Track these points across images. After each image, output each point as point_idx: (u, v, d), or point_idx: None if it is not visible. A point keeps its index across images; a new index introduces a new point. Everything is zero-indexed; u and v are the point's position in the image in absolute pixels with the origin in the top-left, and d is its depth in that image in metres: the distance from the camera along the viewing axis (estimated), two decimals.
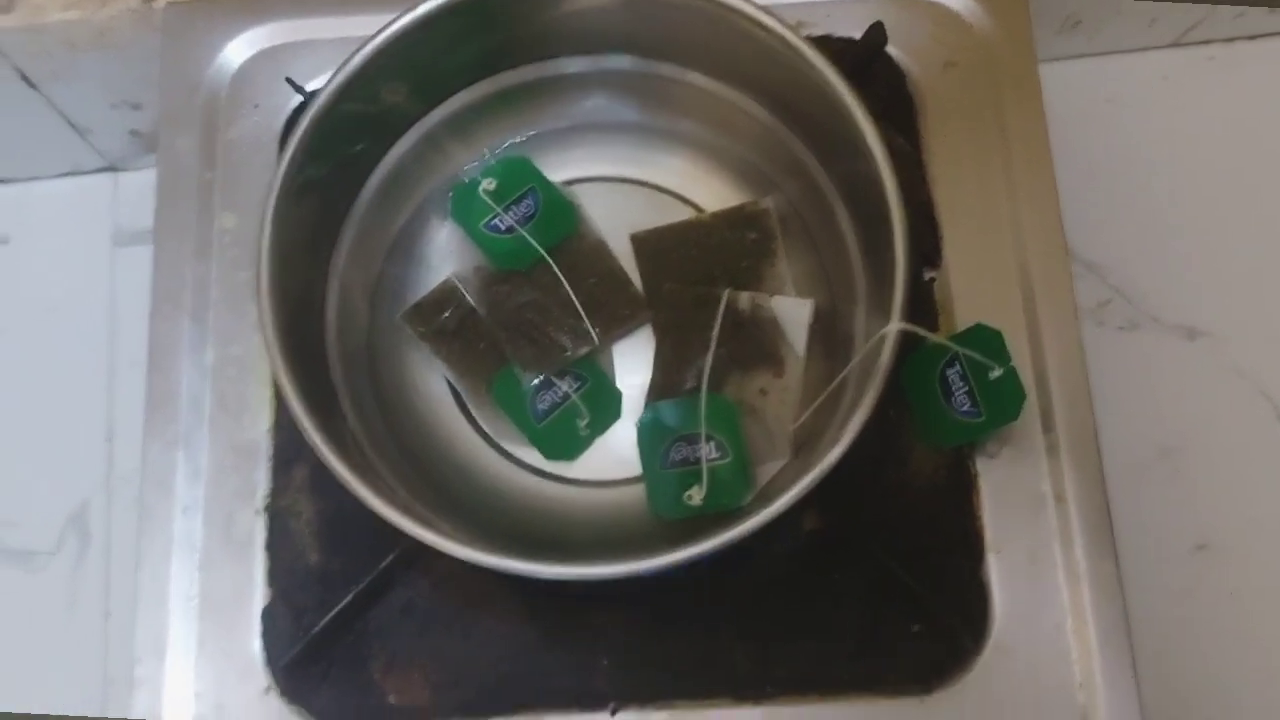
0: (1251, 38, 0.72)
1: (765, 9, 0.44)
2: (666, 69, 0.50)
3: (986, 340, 0.47)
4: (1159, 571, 0.62)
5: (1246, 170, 0.69)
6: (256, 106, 0.56)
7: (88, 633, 0.62)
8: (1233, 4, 0.67)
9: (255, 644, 0.48)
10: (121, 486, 0.64)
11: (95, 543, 0.64)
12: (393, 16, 0.46)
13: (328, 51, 0.55)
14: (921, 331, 0.42)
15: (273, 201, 0.42)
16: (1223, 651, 0.61)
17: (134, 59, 0.61)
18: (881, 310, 0.42)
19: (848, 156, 0.45)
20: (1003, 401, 0.47)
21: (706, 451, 0.46)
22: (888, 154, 0.42)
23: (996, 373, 0.46)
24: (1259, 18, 0.69)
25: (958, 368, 0.47)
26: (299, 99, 0.54)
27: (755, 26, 0.44)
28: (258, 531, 0.49)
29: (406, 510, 0.40)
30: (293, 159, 0.44)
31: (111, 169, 0.71)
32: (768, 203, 0.50)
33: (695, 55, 0.49)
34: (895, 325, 0.40)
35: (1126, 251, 0.67)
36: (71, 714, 0.50)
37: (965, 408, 0.47)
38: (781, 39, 0.43)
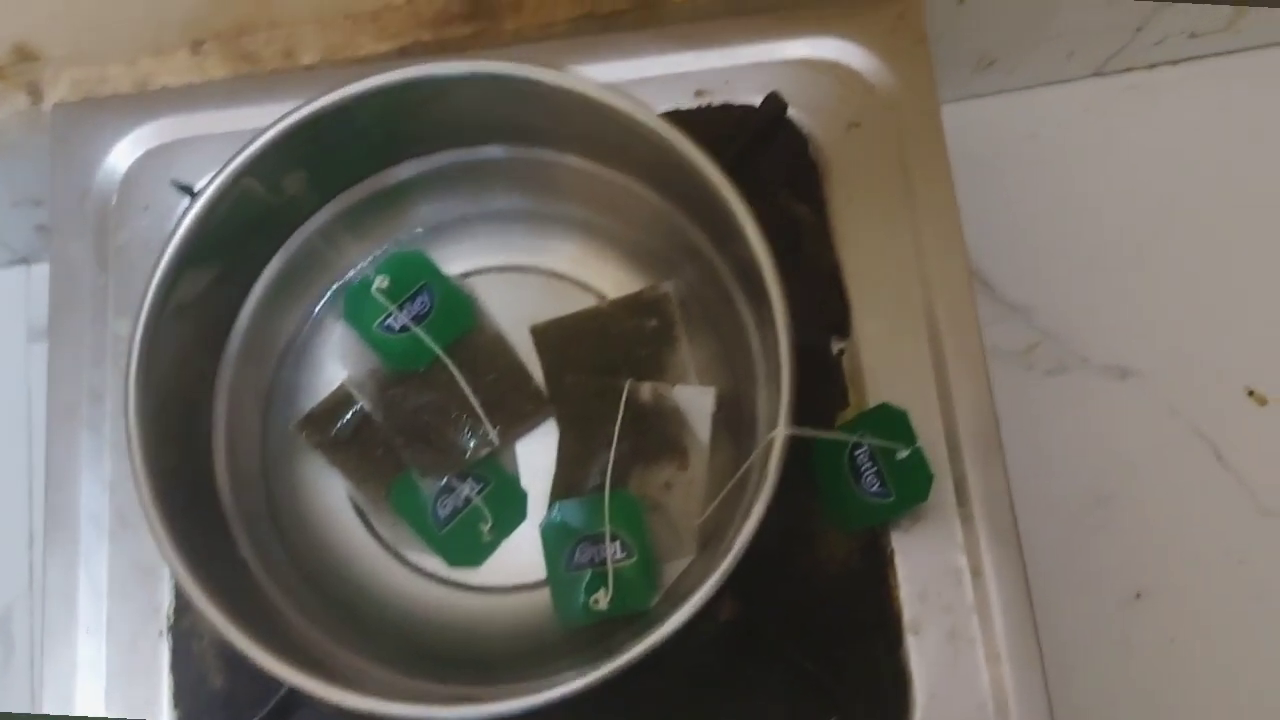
0: (1174, 63, 0.71)
1: (628, 97, 0.42)
2: (547, 155, 0.49)
3: (892, 420, 0.47)
4: (1096, 621, 0.61)
5: (1172, 200, 0.68)
6: (147, 208, 0.54)
7: None
8: (1234, 4, 0.66)
9: None
10: (43, 589, 0.63)
11: (19, 652, 0.62)
12: (272, 121, 0.45)
13: (218, 146, 0.54)
14: (810, 433, 0.41)
15: (140, 328, 0.41)
16: (1162, 701, 0.60)
17: (29, 157, 0.59)
18: None
19: (733, 240, 0.44)
20: (912, 482, 0.46)
21: (612, 552, 0.45)
22: (768, 249, 0.41)
23: (904, 453, 0.46)
24: (1179, 44, 0.69)
25: (866, 448, 0.47)
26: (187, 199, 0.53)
27: (619, 114, 0.42)
28: (162, 653, 0.48)
29: (292, 646, 0.39)
30: (162, 279, 0.42)
31: (24, 261, 0.70)
32: (667, 287, 0.49)
33: (576, 141, 0.48)
34: (782, 431, 0.39)
35: (1054, 291, 0.67)
36: None
37: (875, 489, 0.47)
38: (643, 125, 0.42)
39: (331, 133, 0.45)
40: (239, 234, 0.47)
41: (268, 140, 0.44)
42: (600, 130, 0.44)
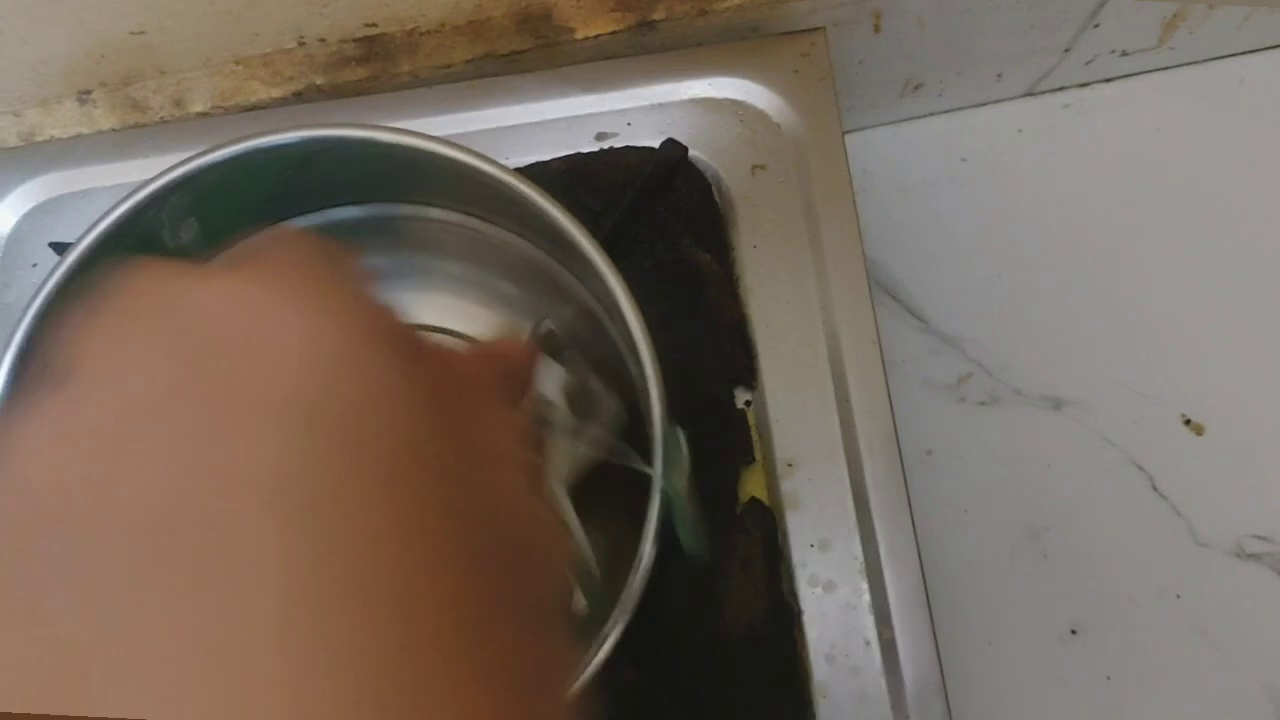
0: (1107, 80, 0.69)
1: (478, 155, 0.40)
2: (410, 210, 0.47)
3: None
4: (1031, 659, 0.60)
5: (1106, 223, 0.66)
6: (35, 265, 0.53)
7: None
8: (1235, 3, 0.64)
9: None
10: None
11: None
12: (140, 183, 0.43)
13: (104, 201, 0.52)
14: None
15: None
16: None
17: None
18: None
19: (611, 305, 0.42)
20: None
21: None
22: (642, 327, 0.39)
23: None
24: (1111, 61, 0.67)
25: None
26: None
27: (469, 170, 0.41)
28: None
29: None
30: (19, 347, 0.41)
31: None
32: (549, 324, 0.48)
33: (438, 195, 0.46)
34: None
35: (987, 321, 0.65)
36: None
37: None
38: (493, 180, 0.40)
39: (189, 207, 0.43)
40: None
41: (128, 211, 0.42)
42: (464, 188, 0.42)
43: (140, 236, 0.44)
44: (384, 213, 0.46)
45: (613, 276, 0.38)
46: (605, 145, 0.52)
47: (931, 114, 0.68)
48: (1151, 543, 0.62)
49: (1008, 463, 0.63)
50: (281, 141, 0.40)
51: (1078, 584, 0.61)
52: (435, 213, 0.46)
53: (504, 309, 0.49)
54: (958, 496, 0.63)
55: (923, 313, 0.65)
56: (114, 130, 0.55)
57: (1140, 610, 0.61)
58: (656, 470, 0.39)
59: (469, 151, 0.39)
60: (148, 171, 0.51)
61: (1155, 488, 0.62)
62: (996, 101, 0.69)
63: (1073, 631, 0.60)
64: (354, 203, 0.46)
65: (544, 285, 0.47)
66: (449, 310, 0.49)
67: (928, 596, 0.47)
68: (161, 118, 0.54)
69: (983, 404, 0.64)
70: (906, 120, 0.68)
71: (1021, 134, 0.68)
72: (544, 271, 0.46)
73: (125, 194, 0.44)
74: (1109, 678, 0.60)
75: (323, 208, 0.46)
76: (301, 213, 0.46)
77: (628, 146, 0.52)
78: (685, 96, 0.52)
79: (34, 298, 0.42)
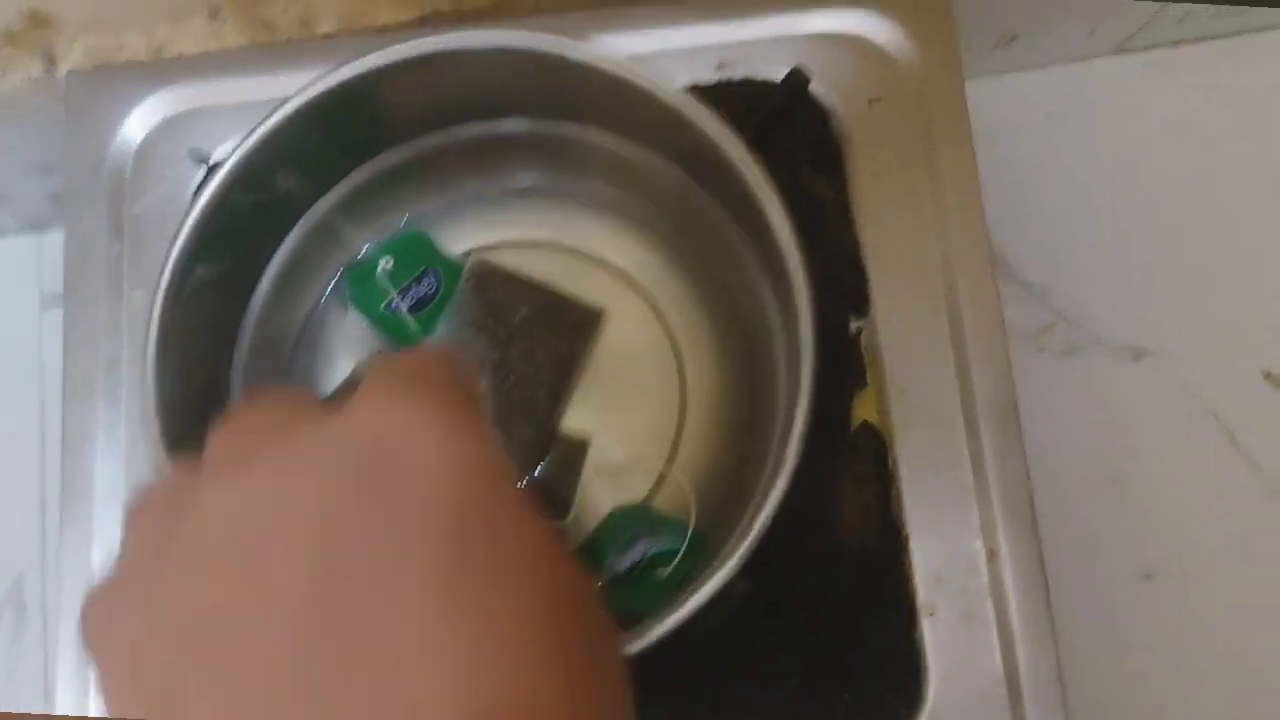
0: (1198, 40, 0.70)
1: (654, 81, 0.42)
2: (569, 129, 0.48)
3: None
4: (1105, 602, 0.61)
5: (1191, 181, 0.68)
6: (162, 178, 0.54)
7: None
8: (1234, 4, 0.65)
9: None
10: (57, 561, 0.63)
11: (31, 621, 0.63)
12: (282, 100, 0.44)
13: (233, 117, 0.54)
14: None
15: (158, 308, 0.41)
16: (1171, 685, 0.60)
17: (42, 125, 0.59)
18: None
19: (758, 228, 0.43)
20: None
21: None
22: (793, 235, 0.40)
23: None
24: (1203, 21, 0.68)
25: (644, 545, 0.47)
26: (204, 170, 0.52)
27: (644, 92, 0.42)
28: None
29: None
30: (177, 261, 0.42)
31: (36, 229, 0.69)
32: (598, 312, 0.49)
33: (599, 116, 0.47)
34: (801, 416, 0.39)
35: (1068, 271, 0.66)
36: None
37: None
38: (666, 103, 0.42)
39: (346, 110, 0.44)
40: (248, 222, 0.46)
41: (279, 122, 0.43)
42: (624, 105, 0.44)
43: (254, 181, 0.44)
44: (549, 130, 0.47)
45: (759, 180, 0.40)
46: (725, 76, 0.53)
47: (1021, 69, 0.69)
48: (1227, 494, 0.63)
49: (1087, 411, 0.64)
50: (474, 45, 0.41)
51: (1153, 531, 0.62)
52: (597, 135, 0.47)
53: (652, 241, 0.50)
54: (1036, 443, 0.64)
55: (1008, 261, 0.66)
56: (242, 48, 0.56)
57: (1216, 558, 0.62)
58: (804, 394, 0.40)
59: (618, 63, 0.41)
60: (275, 90, 0.52)
61: (1233, 440, 0.63)
62: (1086, 59, 0.70)
63: (1147, 577, 0.62)
64: (520, 115, 0.47)
65: (698, 223, 0.48)
66: (596, 238, 0.50)
67: (1035, 518, 0.48)
68: (289, 37, 0.55)
69: (1063, 353, 0.65)
70: (996, 73, 0.69)
71: (1109, 91, 0.69)
72: (701, 209, 0.47)
73: (253, 110, 0.45)
74: (1181, 623, 0.61)
75: (490, 118, 0.47)
76: (461, 121, 0.47)
77: (747, 78, 0.53)
78: (804, 29, 0.53)
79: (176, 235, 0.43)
